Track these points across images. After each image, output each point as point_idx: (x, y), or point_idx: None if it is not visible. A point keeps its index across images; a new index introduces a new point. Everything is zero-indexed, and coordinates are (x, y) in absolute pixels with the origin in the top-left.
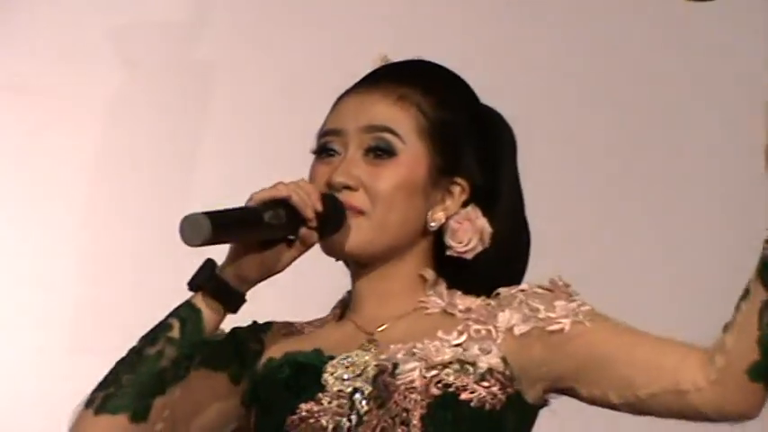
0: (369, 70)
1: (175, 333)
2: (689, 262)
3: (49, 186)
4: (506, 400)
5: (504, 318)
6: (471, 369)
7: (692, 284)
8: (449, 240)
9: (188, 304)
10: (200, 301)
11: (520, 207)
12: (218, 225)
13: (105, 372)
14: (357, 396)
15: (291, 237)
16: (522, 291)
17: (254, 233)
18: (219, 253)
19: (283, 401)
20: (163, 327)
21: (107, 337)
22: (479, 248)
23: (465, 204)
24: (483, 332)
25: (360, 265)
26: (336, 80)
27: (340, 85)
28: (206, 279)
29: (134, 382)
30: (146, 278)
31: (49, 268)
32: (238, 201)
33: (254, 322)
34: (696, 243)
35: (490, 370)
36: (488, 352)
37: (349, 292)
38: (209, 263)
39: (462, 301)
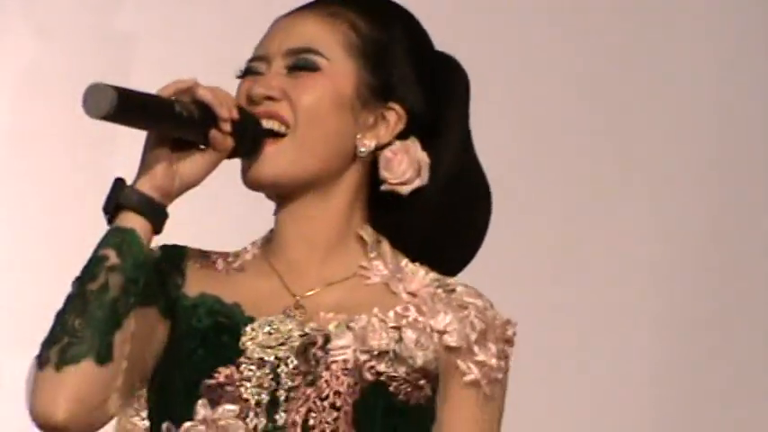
0: None
1: (114, 260)
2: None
3: None
4: (432, 395)
5: (444, 321)
6: (406, 362)
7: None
8: (382, 172)
9: (115, 230)
10: (126, 221)
11: (469, 147)
12: (126, 99)
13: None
14: (282, 368)
15: (203, 145)
16: (477, 307)
17: (163, 123)
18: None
19: (199, 360)
20: (97, 260)
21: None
22: (416, 183)
23: (404, 136)
24: (421, 325)
25: (282, 198)
26: None
27: None
28: (126, 195)
29: (88, 324)
30: (64, 272)
31: None
32: None
33: (165, 246)
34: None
35: (424, 367)
36: (425, 347)
37: (272, 231)
38: (120, 181)
39: (408, 280)
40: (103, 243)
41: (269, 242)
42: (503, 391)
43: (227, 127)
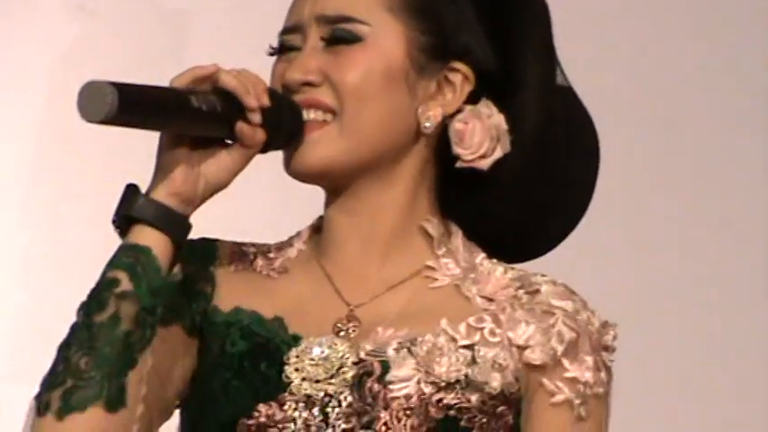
0: None
1: (126, 285)
2: None
3: None
4: (515, 423)
5: (525, 334)
6: (480, 388)
7: None
8: (454, 147)
9: (126, 248)
10: (140, 237)
11: (556, 90)
12: (128, 96)
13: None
14: (333, 407)
15: (230, 140)
16: (565, 312)
17: (178, 120)
18: None
19: (235, 394)
20: (106, 284)
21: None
22: (497, 153)
23: (474, 99)
24: (498, 338)
25: (333, 191)
26: None
27: None
28: (139, 206)
29: (96, 363)
30: None
31: None
32: None
33: (192, 243)
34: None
35: (503, 392)
36: (503, 368)
37: (321, 219)
38: (133, 188)
39: (483, 280)
40: (113, 263)
41: (317, 234)
42: (604, 408)
43: (256, 118)
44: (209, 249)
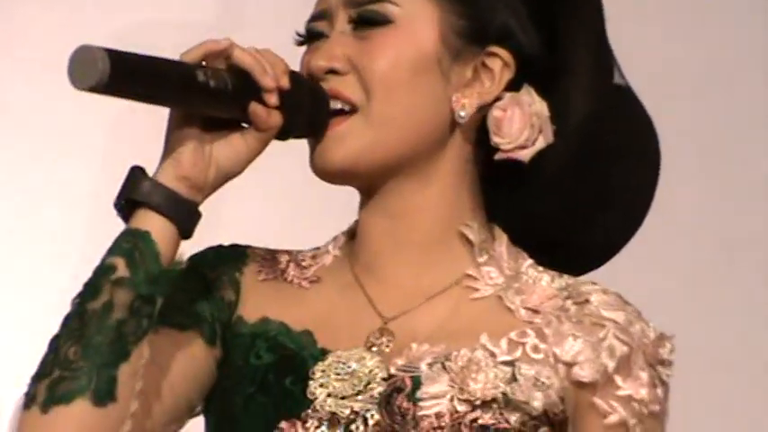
0: None
1: (122, 271)
2: None
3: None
4: None
5: (573, 349)
6: (520, 407)
7: None
8: (493, 137)
9: (126, 233)
10: (141, 222)
11: (608, 76)
12: (122, 63)
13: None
14: (359, 426)
15: (245, 122)
16: (617, 324)
17: (179, 94)
18: None
19: (257, 410)
20: (102, 271)
21: None
22: (539, 143)
23: (515, 87)
24: (542, 355)
25: (363, 188)
26: None
27: None
28: (143, 189)
29: (85, 353)
30: None
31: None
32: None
33: (219, 249)
34: None
35: (545, 412)
36: (547, 386)
37: (357, 222)
38: (138, 170)
39: (528, 290)
40: (112, 249)
41: (352, 239)
42: (660, 426)
43: (272, 99)
44: (237, 256)
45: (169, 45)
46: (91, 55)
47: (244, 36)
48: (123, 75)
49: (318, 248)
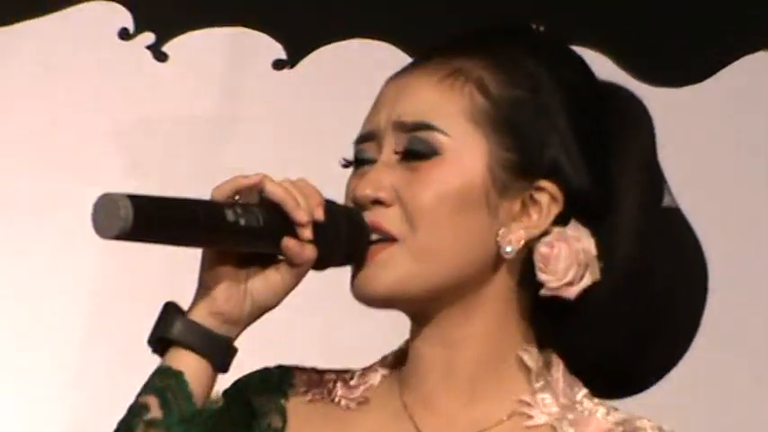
0: None
1: (155, 413)
2: None
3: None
4: None
5: None
6: None
7: None
8: (539, 273)
9: (160, 371)
10: (174, 360)
11: (657, 214)
12: (145, 210)
13: None
14: None
15: (279, 255)
16: None
17: (209, 236)
18: None
19: None
20: (135, 410)
21: None
22: (585, 281)
23: (562, 220)
24: None
25: (412, 317)
26: None
27: None
28: (175, 326)
29: None
30: None
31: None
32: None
33: (266, 372)
34: None
35: None
36: None
37: (407, 343)
38: (171, 306)
39: (582, 422)
40: (145, 389)
41: (401, 362)
42: None
43: (306, 233)
44: (283, 378)
45: (168, 140)
46: (113, 203)
47: (242, 129)
48: (147, 221)
49: (367, 368)
